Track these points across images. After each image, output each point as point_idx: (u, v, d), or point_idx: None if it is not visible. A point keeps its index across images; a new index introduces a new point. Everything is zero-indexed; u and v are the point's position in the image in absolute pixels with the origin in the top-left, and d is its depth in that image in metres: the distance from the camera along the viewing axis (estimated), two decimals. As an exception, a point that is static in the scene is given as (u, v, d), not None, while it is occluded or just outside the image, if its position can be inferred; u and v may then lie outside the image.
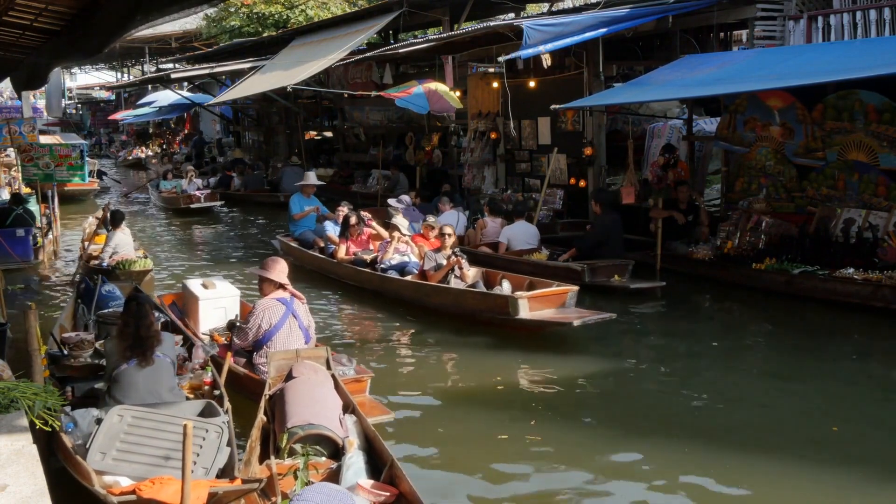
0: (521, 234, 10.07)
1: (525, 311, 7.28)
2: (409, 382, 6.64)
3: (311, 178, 12.12)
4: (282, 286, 5.90)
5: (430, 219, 9.87)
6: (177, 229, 15.57)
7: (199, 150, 26.95)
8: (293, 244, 11.18)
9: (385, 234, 9.67)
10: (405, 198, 12.37)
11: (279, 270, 5.91)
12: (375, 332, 8.27)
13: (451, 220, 11.66)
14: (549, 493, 4.69)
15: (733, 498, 4.56)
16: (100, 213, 11.43)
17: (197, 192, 17.41)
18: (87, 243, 10.73)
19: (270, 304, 5.83)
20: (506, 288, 7.97)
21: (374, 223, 10.10)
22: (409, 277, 8.75)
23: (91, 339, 6.07)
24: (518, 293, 7.52)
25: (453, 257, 8.35)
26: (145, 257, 10.07)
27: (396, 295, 8.83)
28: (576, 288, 7.58)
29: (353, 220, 9.85)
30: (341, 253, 9.82)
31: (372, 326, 8.51)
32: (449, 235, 8.88)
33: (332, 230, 10.42)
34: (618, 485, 4.73)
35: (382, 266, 9.04)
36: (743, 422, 5.62)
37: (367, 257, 9.54)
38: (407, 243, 9.31)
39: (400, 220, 9.40)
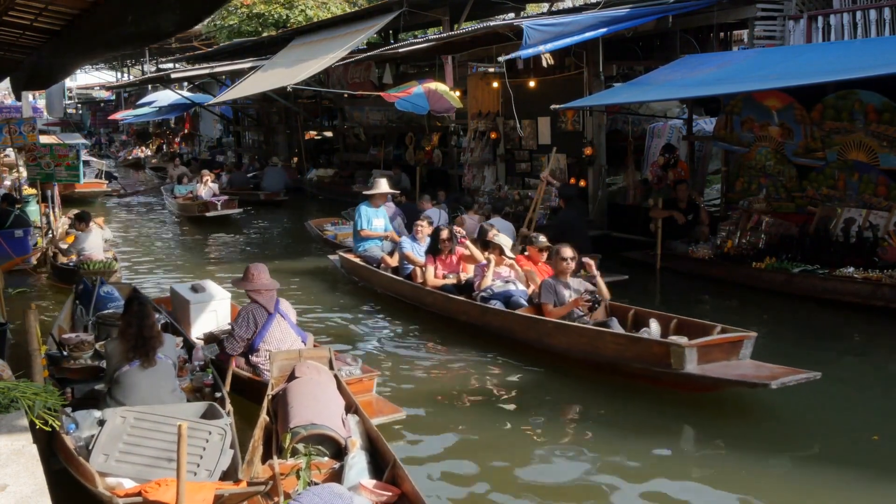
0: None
1: (693, 364, 5.67)
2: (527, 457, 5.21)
3: (382, 185, 10.30)
4: (261, 290, 5.90)
5: (542, 239, 7.85)
6: (178, 233, 15.37)
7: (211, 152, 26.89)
8: (357, 261, 9.73)
9: (479, 254, 8.00)
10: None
11: (260, 277, 5.92)
12: (474, 381, 6.61)
13: (433, 217, 11.76)
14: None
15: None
16: (73, 213, 11.45)
17: (213, 199, 15.69)
18: (58, 242, 10.79)
19: (252, 307, 5.86)
20: (653, 330, 6.32)
21: (468, 242, 8.33)
22: (520, 311, 7.05)
23: (91, 341, 6.06)
24: (676, 338, 5.94)
25: (584, 294, 6.67)
26: (115, 260, 10.11)
27: (501, 331, 7.14)
28: (754, 334, 5.97)
29: (444, 234, 8.21)
30: (429, 276, 8.17)
31: (469, 372, 6.79)
32: (571, 259, 6.85)
33: (409, 247, 8.85)
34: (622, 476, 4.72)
35: (483, 294, 7.40)
36: (749, 423, 5.61)
37: (453, 281, 8.12)
38: (511, 266, 7.63)
39: (503, 239, 7.66)
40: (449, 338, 7.57)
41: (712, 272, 9.28)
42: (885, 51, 7.76)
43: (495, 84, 12.71)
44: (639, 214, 10.88)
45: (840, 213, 8.81)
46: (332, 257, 10.59)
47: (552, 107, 10.47)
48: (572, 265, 6.86)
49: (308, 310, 8.72)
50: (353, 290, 9.76)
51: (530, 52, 9.93)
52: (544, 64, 10.04)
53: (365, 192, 10.69)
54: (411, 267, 8.66)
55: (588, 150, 11.46)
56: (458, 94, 13.02)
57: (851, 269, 7.99)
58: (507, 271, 7.58)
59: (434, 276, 8.18)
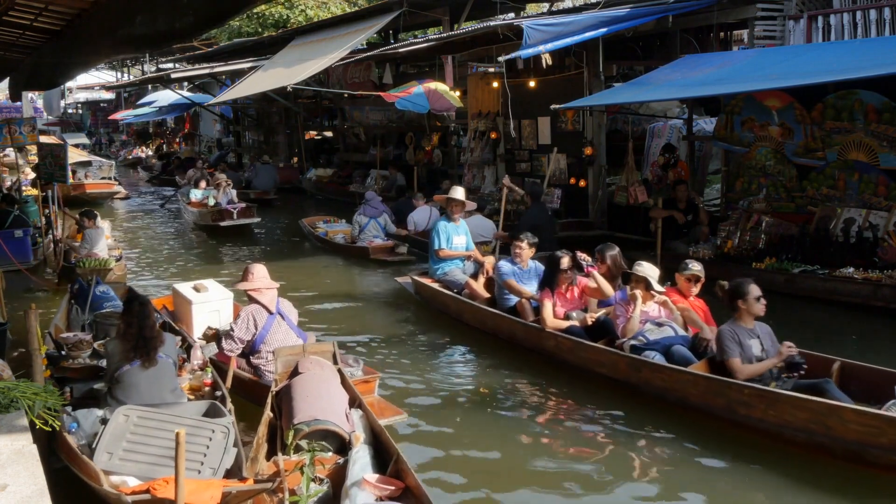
0: (475, 228, 10.34)
1: None
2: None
3: (459, 192, 8.80)
4: (262, 289, 5.91)
5: (695, 265, 6.28)
6: (184, 235, 15.16)
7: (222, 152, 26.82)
8: (436, 287, 8.26)
9: (608, 287, 6.56)
10: (370, 193, 12.50)
11: (260, 277, 5.92)
12: (623, 454, 5.04)
13: (424, 215, 11.93)
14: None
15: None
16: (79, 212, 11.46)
17: (229, 207, 14.35)
18: (69, 240, 10.82)
19: (252, 308, 5.86)
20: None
21: (595, 272, 6.61)
22: (693, 367, 5.41)
23: (90, 340, 6.06)
24: None
25: (784, 347, 5.13)
26: (118, 259, 10.11)
27: (665, 393, 5.49)
28: None
29: (565, 262, 6.58)
30: (548, 315, 6.51)
31: (611, 440, 5.25)
32: (759, 300, 5.28)
33: (511, 273, 7.26)
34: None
35: (634, 343, 5.84)
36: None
37: (576, 320, 6.53)
38: (664, 304, 6.05)
39: (648, 269, 6.09)
40: (583, 394, 5.95)
41: (712, 272, 9.20)
42: (885, 51, 7.76)
43: (495, 84, 12.72)
44: (638, 214, 10.90)
45: (840, 213, 8.81)
46: (401, 280, 9.08)
47: (552, 107, 10.46)
48: (762, 305, 5.29)
49: (377, 346, 7.48)
50: (430, 320, 8.33)
51: (530, 52, 9.93)
52: (544, 64, 10.05)
53: (437, 197, 9.54)
54: (513, 298, 7.22)
55: (588, 150, 11.47)
56: (458, 93, 13.04)
57: (851, 270, 7.99)
58: (655, 310, 6.04)
59: (554, 315, 6.57)
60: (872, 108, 8.52)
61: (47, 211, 12.16)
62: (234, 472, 4.15)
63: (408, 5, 13.89)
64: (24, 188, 14.63)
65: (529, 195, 10.28)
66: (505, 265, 7.35)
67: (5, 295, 7.57)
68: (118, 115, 34.74)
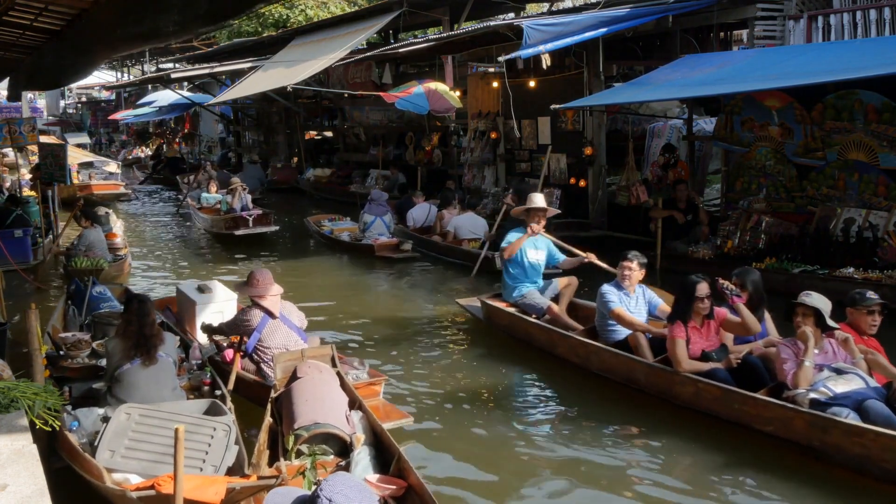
0: (466, 224, 10.73)
1: None
2: None
3: (538, 200, 7.67)
4: (266, 296, 5.91)
5: (874, 295, 5.23)
6: (188, 235, 15.06)
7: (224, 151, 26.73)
8: (513, 312, 7.16)
9: (755, 323, 5.45)
10: (375, 192, 12.57)
11: (265, 283, 5.88)
12: None
13: (423, 212, 12.01)
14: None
15: None
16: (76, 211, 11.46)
17: (244, 214, 13.18)
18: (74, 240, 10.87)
19: (251, 309, 5.84)
20: None
21: (741, 304, 5.45)
22: None
23: (88, 340, 6.07)
24: None
25: None
26: (122, 258, 10.09)
27: (865, 462, 4.34)
28: None
29: (703, 290, 5.46)
30: (682, 354, 5.35)
31: None
32: None
33: (618, 300, 6.18)
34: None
35: (813, 396, 4.63)
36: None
37: (719, 362, 5.40)
38: (845, 344, 4.90)
39: (818, 300, 4.99)
40: (726, 455, 4.78)
41: (712, 272, 9.15)
42: (885, 51, 7.76)
43: (495, 84, 12.72)
44: (638, 214, 10.90)
45: (840, 213, 8.81)
46: (465, 304, 7.91)
47: (552, 107, 10.47)
48: None
49: (383, 346, 7.18)
50: (441, 319, 8.01)
51: (530, 52, 9.93)
52: (543, 65, 10.05)
53: (516, 211, 8.05)
54: (622, 330, 6.15)
55: (588, 150, 11.47)
56: (458, 94, 13.04)
57: (851, 270, 7.99)
58: (831, 352, 4.91)
59: (688, 353, 5.40)
60: (872, 108, 8.52)
61: (47, 210, 12.18)
62: (235, 470, 4.15)
63: (408, 5, 13.89)
64: (24, 188, 14.64)
65: (515, 194, 10.32)
66: (610, 291, 6.20)
67: (5, 295, 7.57)
68: (118, 115, 34.69)
